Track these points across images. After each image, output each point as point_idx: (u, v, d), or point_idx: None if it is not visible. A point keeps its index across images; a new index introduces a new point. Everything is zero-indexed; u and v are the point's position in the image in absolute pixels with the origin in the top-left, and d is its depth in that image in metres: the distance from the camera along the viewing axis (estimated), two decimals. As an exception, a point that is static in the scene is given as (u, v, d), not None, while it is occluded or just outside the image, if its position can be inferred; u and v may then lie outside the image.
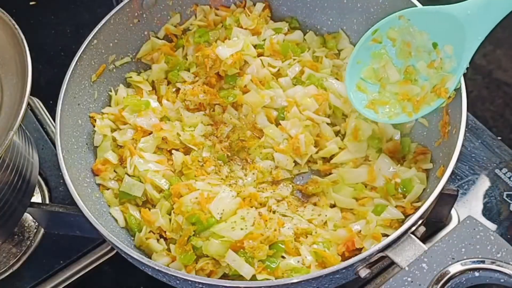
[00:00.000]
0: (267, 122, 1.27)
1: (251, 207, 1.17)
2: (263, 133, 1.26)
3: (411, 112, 1.15)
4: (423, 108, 1.13)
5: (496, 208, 1.31)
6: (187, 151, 1.27)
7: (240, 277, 1.07)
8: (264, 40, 1.35)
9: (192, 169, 1.22)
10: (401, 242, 0.98)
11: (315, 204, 1.19)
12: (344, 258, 1.09)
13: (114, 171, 1.25)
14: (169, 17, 1.40)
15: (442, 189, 1.02)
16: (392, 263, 0.98)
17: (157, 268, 1.00)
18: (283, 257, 1.10)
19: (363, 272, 0.99)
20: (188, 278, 0.99)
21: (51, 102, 1.48)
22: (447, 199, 1.16)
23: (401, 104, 1.16)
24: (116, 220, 1.19)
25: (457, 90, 1.11)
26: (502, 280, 0.92)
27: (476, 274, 0.92)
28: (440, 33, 1.12)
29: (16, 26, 1.10)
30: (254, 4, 1.41)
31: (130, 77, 1.36)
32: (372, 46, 1.19)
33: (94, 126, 1.28)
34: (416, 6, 1.19)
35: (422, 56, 1.15)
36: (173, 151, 1.25)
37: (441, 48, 1.12)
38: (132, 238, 1.19)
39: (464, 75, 1.12)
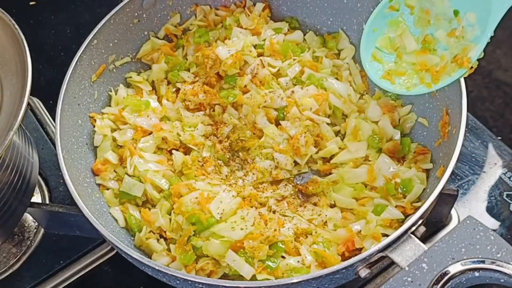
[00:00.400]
0: (267, 122, 1.27)
1: (251, 207, 1.17)
2: (263, 133, 1.26)
3: (429, 83, 1.10)
4: (443, 78, 1.08)
5: (496, 208, 1.31)
6: (187, 151, 1.27)
7: (240, 277, 1.07)
8: (264, 40, 1.35)
9: (192, 169, 1.22)
10: (401, 242, 0.98)
11: (315, 204, 1.19)
12: (344, 258, 1.09)
13: (114, 171, 1.25)
14: (169, 17, 1.40)
15: (442, 189, 1.02)
16: (392, 263, 0.98)
17: (157, 268, 1.00)
18: (283, 257, 1.10)
19: (363, 272, 0.99)
20: (188, 278, 0.99)
21: (51, 102, 1.48)
22: (447, 199, 1.16)
23: (419, 74, 1.12)
24: (116, 220, 1.19)
25: (457, 89, 1.11)
26: (502, 280, 0.92)
27: (476, 274, 0.92)
28: (462, 0, 1.07)
29: (16, 26, 1.10)
30: (254, 4, 1.41)
31: (130, 77, 1.36)
32: (389, 13, 1.15)
33: (94, 126, 1.28)
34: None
35: (441, 24, 1.10)
36: (173, 151, 1.25)
37: (462, 16, 1.07)
38: (132, 238, 1.19)
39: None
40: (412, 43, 1.13)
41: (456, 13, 1.08)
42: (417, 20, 1.13)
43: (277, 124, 1.28)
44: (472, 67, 1.06)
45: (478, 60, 1.07)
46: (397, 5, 1.14)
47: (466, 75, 1.07)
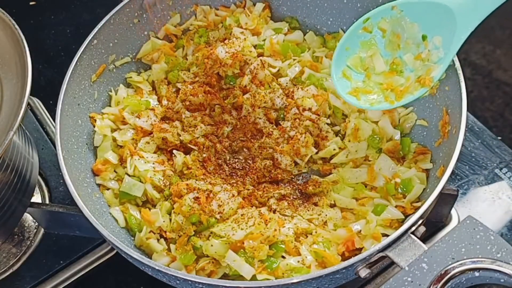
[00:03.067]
0: (266, 123, 1.27)
1: (252, 206, 1.17)
2: (263, 133, 1.26)
3: (393, 100, 1.15)
4: (405, 97, 1.13)
5: (496, 208, 1.31)
6: (187, 151, 1.27)
7: (240, 277, 1.07)
8: (264, 40, 1.35)
9: (193, 169, 1.22)
10: (401, 242, 0.98)
11: (315, 204, 1.19)
12: (344, 258, 1.09)
13: (114, 171, 1.25)
14: (169, 17, 1.40)
15: (442, 189, 1.02)
16: (392, 263, 0.98)
17: (157, 268, 1.00)
18: (283, 257, 1.10)
19: (363, 272, 0.99)
20: (188, 278, 0.99)
21: (51, 102, 1.48)
22: (447, 199, 1.16)
23: (385, 93, 1.16)
24: (116, 220, 1.19)
25: (457, 89, 1.11)
26: (502, 280, 0.92)
27: (476, 274, 0.92)
28: (430, 25, 1.12)
29: (16, 26, 1.10)
30: (254, 4, 1.41)
31: (130, 77, 1.36)
32: (362, 34, 1.19)
33: (94, 126, 1.28)
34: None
35: (410, 48, 1.16)
36: (174, 152, 1.25)
37: (430, 40, 1.13)
38: (132, 238, 1.19)
39: (464, 75, 1.12)
40: (381, 65, 1.18)
41: (424, 37, 1.14)
42: (388, 43, 1.18)
43: (277, 124, 1.28)
44: (433, 87, 1.13)
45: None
46: (371, 27, 1.18)
47: (426, 94, 1.13)
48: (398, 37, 1.17)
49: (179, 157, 1.24)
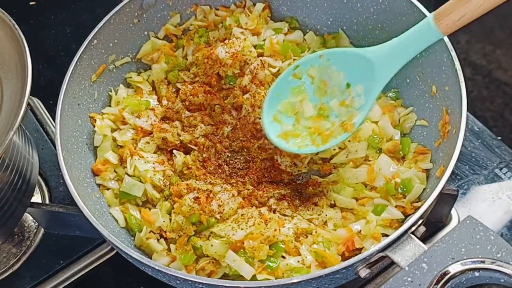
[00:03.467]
0: None
1: (252, 206, 1.17)
2: (263, 134, 1.26)
3: (319, 144, 1.20)
4: (330, 141, 1.19)
5: (496, 208, 1.31)
6: (187, 151, 1.27)
7: (240, 277, 1.07)
8: (264, 40, 1.35)
9: (193, 169, 1.22)
10: (401, 242, 0.98)
11: (315, 204, 1.19)
12: (344, 258, 1.09)
13: (114, 171, 1.25)
14: (169, 17, 1.40)
15: (442, 189, 1.02)
16: (392, 263, 0.98)
17: (157, 268, 1.00)
18: (283, 257, 1.10)
19: (363, 272, 0.99)
20: (188, 278, 0.99)
21: (51, 102, 1.48)
22: (447, 199, 1.16)
23: (312, 137, 1.21)
24: (116, 220, 1.19)
25: (457, 89, 1.11)
26: (502, 280, 0.92)
27: (476, 274, 0.92)
28: (354, 74, 1.20)
29: (16, 26, 1.10)
30: (254, 4, 1.41)
31: (130, 77, 1.36)
32: (293, 81, 1.24)
33: (94, 126, 1.28)
34: (416, 6, 1.20)
35: (336, 94, 1.22)
36: (174, 151, 1.25)
37: (353, 87, 1.20)
38: (132, 238, 1.19)
39: (464, 75, 1.12)
40: (310, 109, 1.23)
41: (348, 85, 1.21)
42: (316, 89, 1.24)
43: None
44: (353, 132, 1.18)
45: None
46: (300, 74, 1.24)
47: (348, 139, 1.20)
48: (325, 84, 1.23)
49: (179, 157, 1.24)
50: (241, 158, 1.27)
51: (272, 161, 1.25)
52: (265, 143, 1.25)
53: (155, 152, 1.27)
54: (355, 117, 1.18)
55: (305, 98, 1.24)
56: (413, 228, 1.00)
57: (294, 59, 1.33)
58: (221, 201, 1.15)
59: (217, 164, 1.25)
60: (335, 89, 1.22)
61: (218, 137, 1.28)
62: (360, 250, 1.09)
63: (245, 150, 1.28)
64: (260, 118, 1.27)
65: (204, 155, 1.25)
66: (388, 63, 1.16)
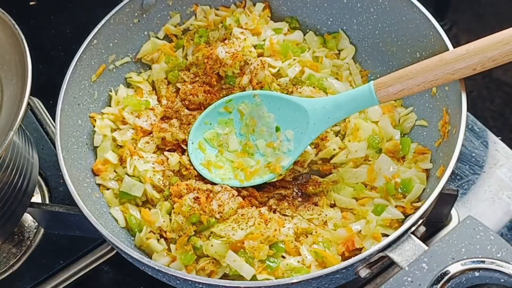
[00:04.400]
0: None
1: (252, 206, 1.17)
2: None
3: (242, 179, 1.21)
4: (254, 178, 1.20)
5: (496, 208, 1.31)
6: (185, 150, 1.27)
7: (240, 277, 1.07)
8: (264, 40, 1.35)
9: (191, 170, 1.22)
10: (401, 242, 0.98)
11: (315, 204, 1.19)
12: (344, 258, 1.09)
13: (114, 171, 1.25)
14: (169, 17, 1.40)
15: (442, 189, 1.02)
16: (392, 263, 0.98)
17: (157, 268, 1.00)
18: (283, 257, 1.10)
19: (363, 272, 0.99)
20: (188, 278, 0.99)
21: (51, 102, 1.48)
22: (447, 199, 1.16)
23: (235, 171, 1.22)
24: (116, 220, 1.19)
25: (457, 89, 1.11)
26: (502, 280, 0.92)
27: (476, 274, 0.92)
28: (285, 118, 1.21)
29: (16, 26, 1.10)
30: (254, 4, 1.41)
31: (130, 77, 1.36)
32: (223, 112, 1.26)
33: (94, 126, 1.28)
34: (416, 6, 1.20)
35: (263, 135, 1.24)
36: (165, 153, 1.25)
37: (282, 132, 1.21)
38: (132, 238, 1.19)
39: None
40: (235, 144, 1.25)
41: (277, 129, 1.22)
42: (244, 126, 1.26)
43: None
44: (281, 175, 1.20)
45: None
46: (231, 108, 1.26)
47: (274, 180, 1.20)
48: (254, 122, 1.24)
49: (171, 158, 1.23)
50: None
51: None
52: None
53: (154, 152, 1.27)
54: (283, 161, 1.19)
55: (231, 132, 1.25)
56: (413, 228, 1.00)
57: (294, 59, 1.33)
58: (221, 201, 1.15)
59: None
60: (263, 130, 1.23)
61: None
62: (360, 250, 1.09)
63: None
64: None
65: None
66: (323, 117, 1.16)
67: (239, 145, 1.25)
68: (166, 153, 1.25)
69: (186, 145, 1.26)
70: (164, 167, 1.23)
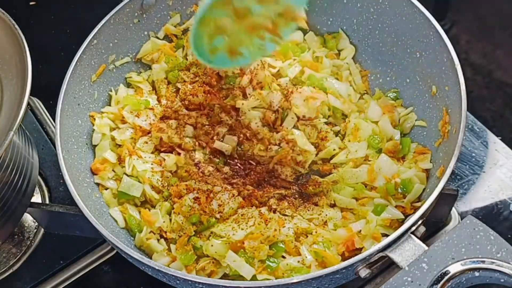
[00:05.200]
0: (260, 126, 1.26)
1: (252, 206, 1.17)
2: (261, 135, 1.26)
3: (272, 38, 1.12)
4: (282, 30, 1.12)
5: (496, 208, 1.31)
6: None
7: (240, 277, 1.07)
8: (264, 40, 1.35)
9: (190, 171, 1.22)
10: (401, 242, 0.98)
11: (315, 204, 1.19)
12: (344, 258, 1.09)
13: (113, 170, 1.25)
14: (169, 17, 1.40)
15: (442, 189, 1.02)
16: (392, 263, 0.98)
17: (157, 268, 1.00)
18: (283, 257, 1.10)
19: (363, 272, 0.99)
20: (188, 278, 0.99)
21: (51, 102, 1.48)
22: (447, 199, 1.16)
23: (255, 35, 1.13)
24: (116, 221, 1.19)
25: (457, 89, 1.11)
26: (502, 280, 0.92)
27: (476, 274, 0.92)
28: None
29: (16, 26, 1.10)
30: (254, 4, 1.41)
31: (130, 77, 1.36)
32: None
33: (94, 126, 1.28)
34: (416, 6, 1.20)
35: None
36: (161, 154, 1.25)
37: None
38: (132, 238, 1.19)
39: (464, 75, 1.12)
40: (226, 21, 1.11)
41: None
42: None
43: (274, 125, 1.27)
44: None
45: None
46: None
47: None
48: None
49: (168, 159, 1.23)
50: (240, 159, 1.27)
51: (273, 172, 1.24)
52: (260, 146, 1.25)
53: (152, 152, 1.26)
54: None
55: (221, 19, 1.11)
56: (413, 228, 1.00)
57: (294, 59, 1.33)
58: (221, 201, 1.15)
59: (216, 164, 1.25)
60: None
61: (212, 137, 1.27)
62: (360, 250, 1.09)
63: (243, 150, 1.27)
64: (256, 122, 1.26)
65: (197, 156, 1.24)
66: None
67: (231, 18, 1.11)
68: (162, 154, 1.25)
69: (182, 149, 1.25)
70: (163, 167, 1.23)
